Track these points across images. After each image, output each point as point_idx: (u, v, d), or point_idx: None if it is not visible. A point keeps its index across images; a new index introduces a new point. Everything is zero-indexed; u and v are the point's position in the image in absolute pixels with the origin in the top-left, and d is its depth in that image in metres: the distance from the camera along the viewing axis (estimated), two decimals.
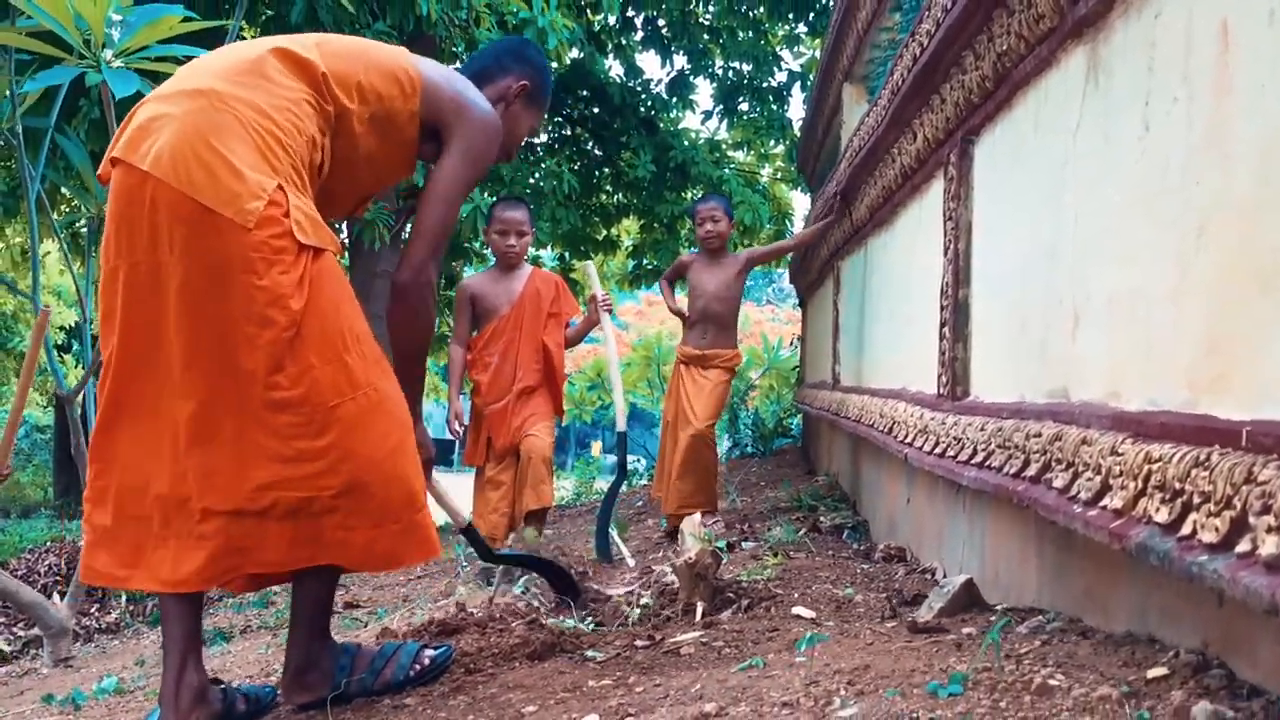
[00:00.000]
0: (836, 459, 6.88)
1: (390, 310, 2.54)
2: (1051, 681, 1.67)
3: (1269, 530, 1.39)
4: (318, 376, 2.23)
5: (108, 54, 4.48)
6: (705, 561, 3.05)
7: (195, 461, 2.23)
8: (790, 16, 12.34)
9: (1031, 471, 2.37)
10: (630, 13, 12.27)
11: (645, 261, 12.80)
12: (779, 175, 13.84)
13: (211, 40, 5.58)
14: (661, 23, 12.46)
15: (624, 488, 9.09)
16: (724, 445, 11.77)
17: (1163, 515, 1.69)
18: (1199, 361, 1.77)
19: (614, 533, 5.32)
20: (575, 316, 5.66)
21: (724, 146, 12.78)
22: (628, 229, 13.94)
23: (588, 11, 11.42)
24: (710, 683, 2.02)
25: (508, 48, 3.03)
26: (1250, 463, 1.49)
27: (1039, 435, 2.40)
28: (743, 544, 4.71)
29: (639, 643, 2.62)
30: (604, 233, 12.94)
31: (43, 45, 4.36)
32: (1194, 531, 1.59)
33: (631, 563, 4.84)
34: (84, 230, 5.88)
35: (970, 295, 3.35)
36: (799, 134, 11.25)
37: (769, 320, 29.31)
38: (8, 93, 4.89)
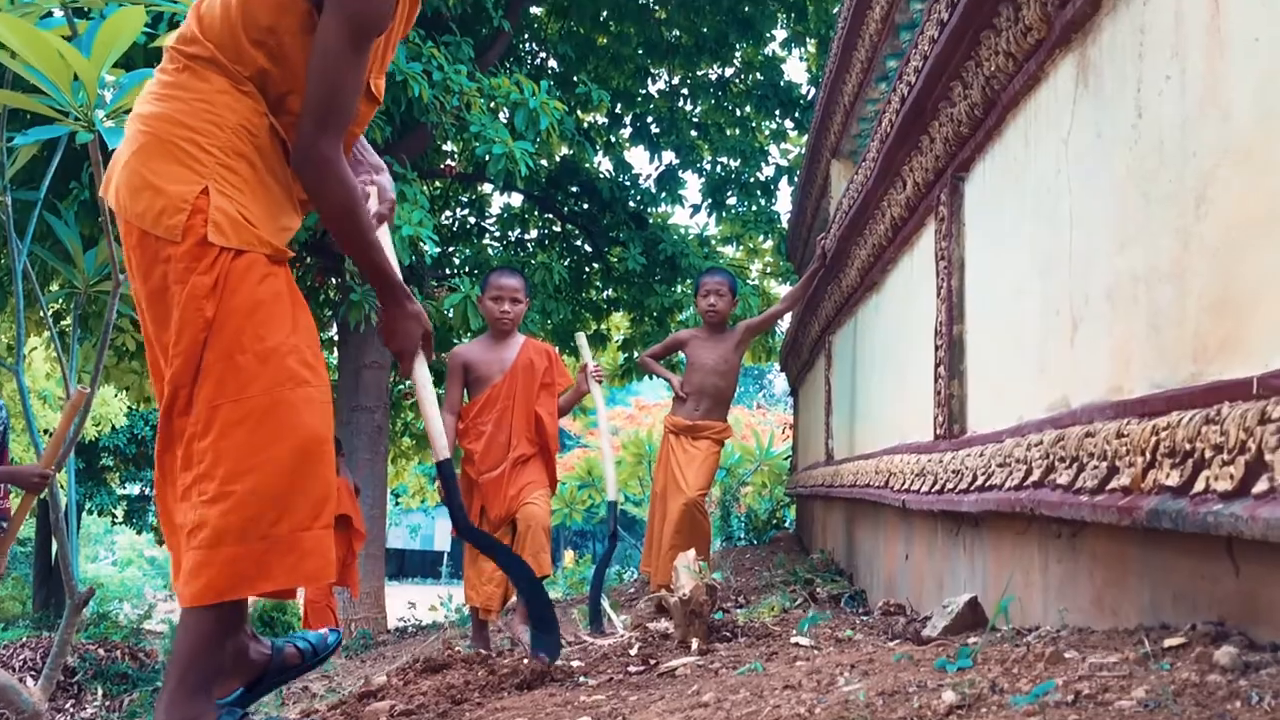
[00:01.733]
0: (831, 535, 6.78)
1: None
2: (1066, 654, 1.59)
3: None
4: (211, 376, 2.12)
5: (100, 114, 4.50)
6: (700, 598, 2.96)
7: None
8: (777, 113, 12.53)
9: (1035, 477, 2.31)
10: (619, 108, 12.46)
11: (636, 355, 12.80)
12: (768, 270, 13.93)
13: None
14: (650, 119, 12.65)
15: (615, 581, 8.95)
16: (717, 541, 11.63)
17: (1174, 479, 1.63)
18: (1205, 330, 1.73)
19: (605, 603, 5.20)
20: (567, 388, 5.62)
21: (713, 241, 12.88)
22: (618, 324, 13.97)
23: (578, 110, 11.60)
24: (708, 684, 1.94)
25: None
26: (1263, 406, 1.44)
27: (1039, 444, 2.35)
28: (737, 609, 4.60)
29: (632, 668, 2.52)
30: (594, 327, 12.96)
31: (36, 104, 4.38)
32: (1207, 487, 1.54)
33: (622, 630, 4.72)
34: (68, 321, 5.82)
35: (965, 331, 3.32)
36: (787, 225, 11.35)
37: (760, 423, 29.24)
38: None
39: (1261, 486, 1.39)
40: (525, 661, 2.65)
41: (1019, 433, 2.58)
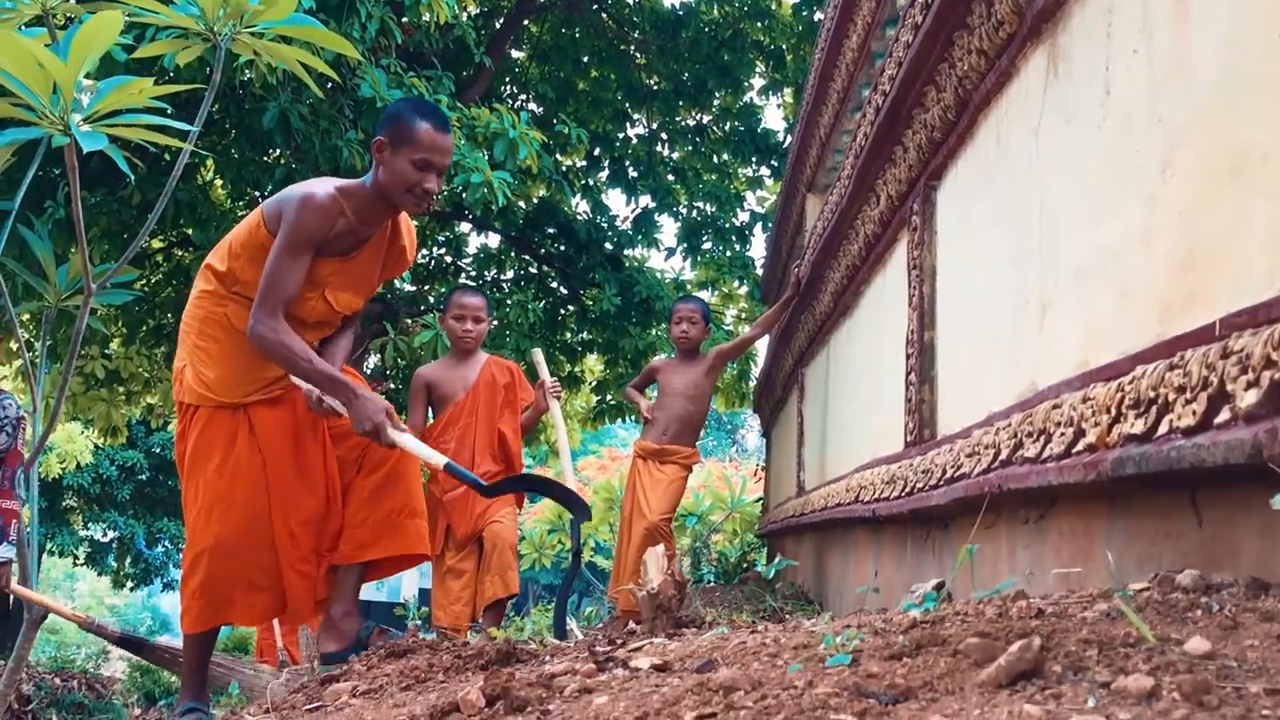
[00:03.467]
0: (801, 568, 6.76)
1: None
2: (1032, 599, 1.59)
3: (1247, 387, 1.36)
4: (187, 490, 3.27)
5: (76, 118, 4.50)
6: (669, 593, 2.94)
7: None
8: (754, 160, 12.64)
9: (1003, 457, 2.33)
10: (597, 151, 12.54)
11: (610, 398, 12.77)
12: (742, 316, 13.98)
13: (189, 111, 5.63)
14: (627, 163, 12.74)
15: (584, 622, 8.85)
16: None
17: (1138, 427, 1.65)
18: (1171, 288, 1.76)
19: (571, 620, 5.16)
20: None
21: (688, 286, 12.93)
22: (591, 367, 13.95)
23: (557, 152, 11.69)
24: (674, 644, 1.93)
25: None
26: (1224, 342, 1.46)
27: (1007, 426, 2.37)
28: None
29: (598, 648, 2.50)
30: (568, 369, 12.94)
31: (10, 108, 4.37)
32: (1170, 428, 1.56)
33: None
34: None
35: (936, 337, 3.35)
36: (762, 268, 11.41)
37: (733, 475, 29.19)
38: None
39: (1223, 417, 1.41)
40: (489, 644, 2.63)
41: (988, 424, 2.60)
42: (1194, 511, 1.67)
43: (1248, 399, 1.34)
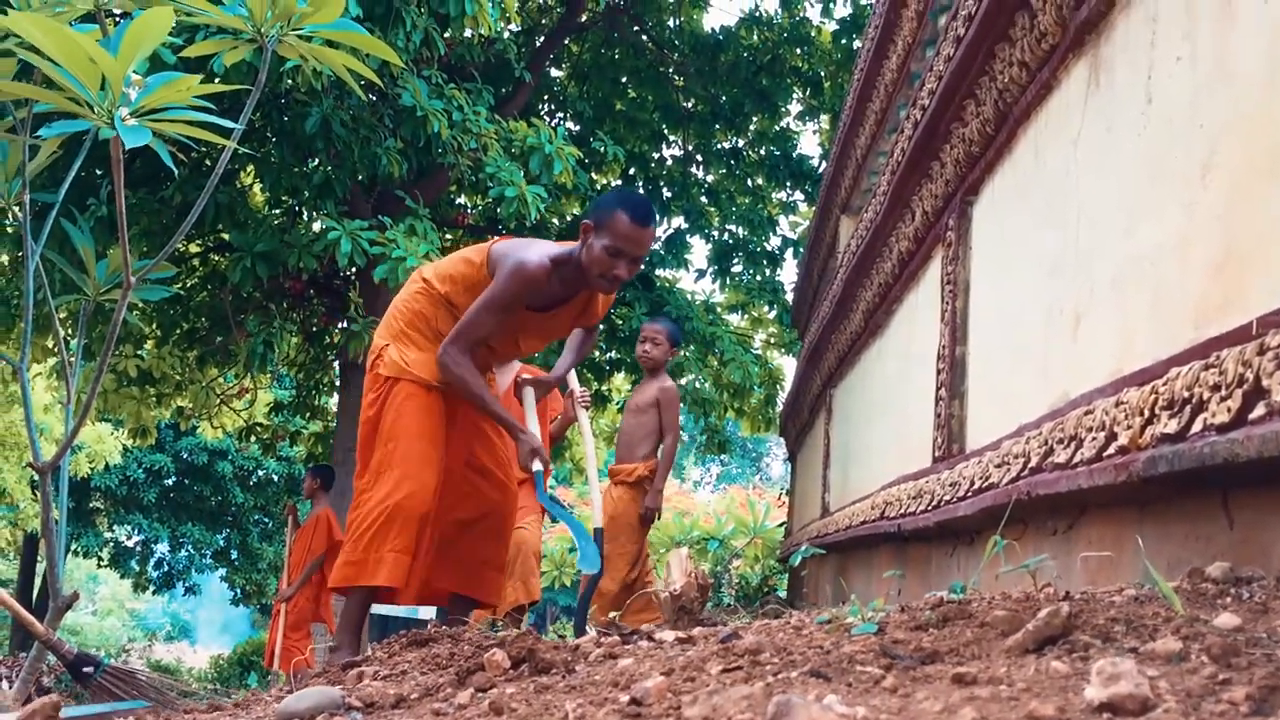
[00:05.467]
0: (822, 590, 6.73)
1: None
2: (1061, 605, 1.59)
3: None
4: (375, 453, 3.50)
5: (123, 112, 4.56)
6: (691, 595, 2.94)
7: None
8: (788, 185, 12.66)
9: (1033, 464, 2.32)
10: (632, 171, 12.59)
11: None
12: (771, 340, 13.97)
13: (233, 116, 5.69)
14: (662, 183, 12.78)
15: None
16: (709, 605, 11.51)
17: (1171, 427, 1.65)
18: (1207, 292, 1.76)
19: (591, 628, 5.15)
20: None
21: (718, 308, 12.94)
22: (619, 386, 13.96)
23: (592, 171, 11.74)
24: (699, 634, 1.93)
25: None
26: (1261, 340, 1.46)
27: (1038, 435, 2.36)
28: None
29: (607, 639, 2.51)
30: (596, 386, 12.96)
31: (59, 98, 4.44)
32: (1204, 426, 1.56)
33: None
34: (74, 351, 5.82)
35: (967, 352, 3.34)
36: (793, 292, 11.42)
37: (756, 502, 29.18)
38: (23, 155, 4.96)
39: (1259, 412, 1.41)
40: (511, 640, 2.64)
41: (1018, 434, 2.59)
42: (1225, 513, 1.66)
43: None
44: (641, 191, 12.90)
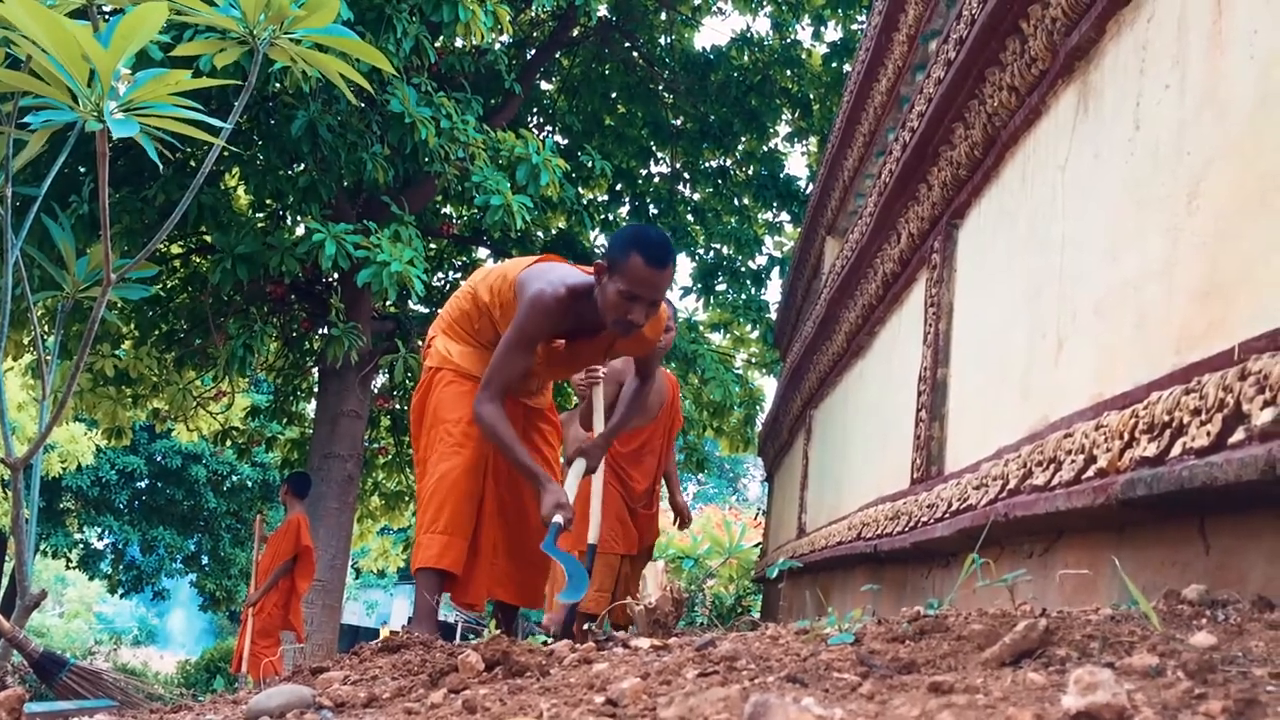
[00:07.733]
0: (797, 610, 6.72)
1: None
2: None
3: (1264, 405, 1.37)
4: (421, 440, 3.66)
5: (111, 105, 4.54)
6: (666, 609, 2.93)
7: None
8: (774, 205, 12.70)
9: (1011, 486, 2.33)
10: (619, 186, 12.61)
11: None
12: (753, 360, 13.99)
13: (220, 117, 5.67)
14: (648, 199, 12.80)
15: None
16: (680, 625, 11.48)
17: (1151, 450, 1.66)
18: (1191, 319, 1.77)
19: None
20: None
21: (700, 327, 12.94)
22: None
23: (579, 185, 11.74)
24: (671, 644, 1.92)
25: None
26: (1243, 365, 1.47)
27: (1017, 457, 2.37)
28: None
29: (595, 642, 2.50)
30: (577, 401, 12.96)
31: (48, 89, 4.42)
32: (1183, 450, 1.56)
33: None
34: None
35: (949, 374, 3.35)
36: (776, 311, 11.43)
37: (732, 522, 29.13)
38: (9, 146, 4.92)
39: (1238, 436, 1.42)
40: (484, 643, 2.62)
41: (997, 456, 2.60)
42: (1202, 539, 1.66)
43: (1264, 417, 1.35)
44: (628, 207, 12.93)
